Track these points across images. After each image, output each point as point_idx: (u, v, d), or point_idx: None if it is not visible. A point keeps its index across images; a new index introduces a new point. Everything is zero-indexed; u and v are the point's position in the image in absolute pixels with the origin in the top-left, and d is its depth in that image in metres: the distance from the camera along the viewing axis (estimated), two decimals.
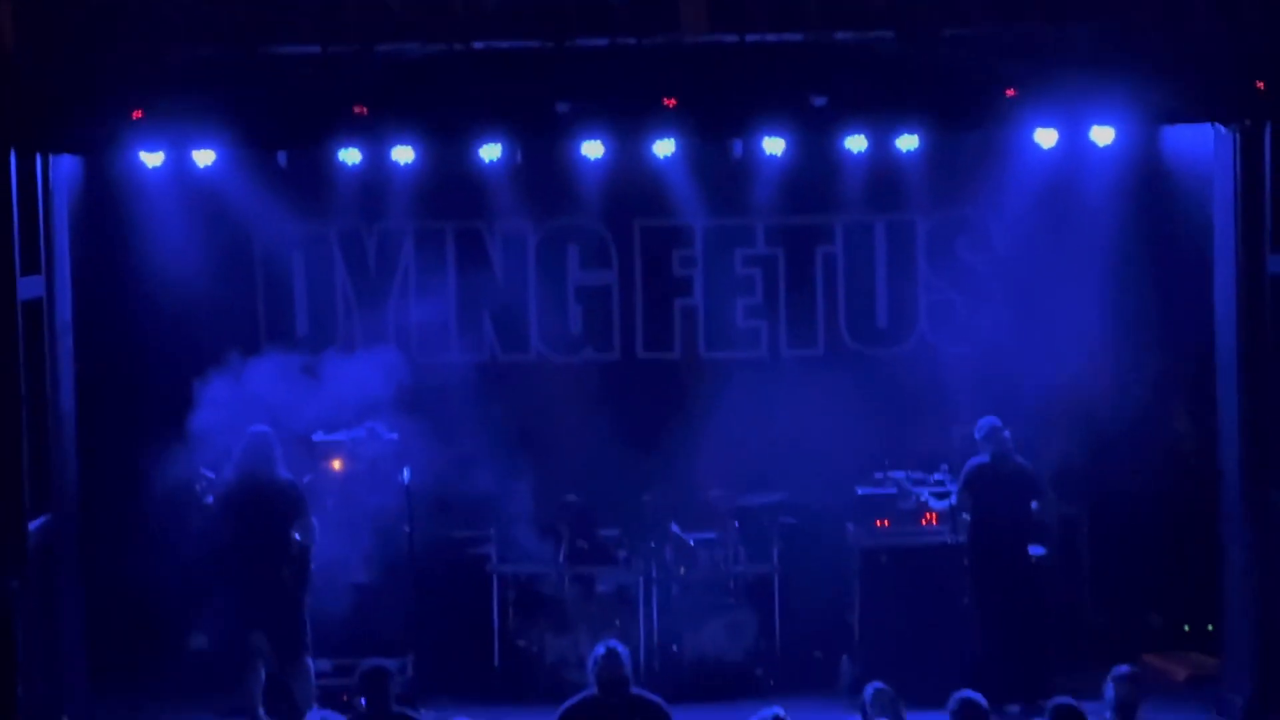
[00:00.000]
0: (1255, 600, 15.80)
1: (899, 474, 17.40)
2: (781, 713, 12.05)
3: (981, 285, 18.48)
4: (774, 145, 16.55)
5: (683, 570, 17.26)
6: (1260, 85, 15.39)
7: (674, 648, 17.09)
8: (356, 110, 15.58)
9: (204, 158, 16.41)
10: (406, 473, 16.62)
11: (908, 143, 16.46)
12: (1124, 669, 13.34)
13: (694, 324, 18.69)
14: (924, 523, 17.16)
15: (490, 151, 16.46)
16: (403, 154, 16.46)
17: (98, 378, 17.09)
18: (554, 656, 16.93)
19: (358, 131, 15.83)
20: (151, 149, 16.17)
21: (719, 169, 17.76)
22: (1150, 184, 17.71)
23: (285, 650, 15.82)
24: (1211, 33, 15.45)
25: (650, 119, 15.77)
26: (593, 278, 18.69)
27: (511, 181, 17.91)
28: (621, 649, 13.50)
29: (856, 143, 16.53)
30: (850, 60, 15.64)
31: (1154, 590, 18.08)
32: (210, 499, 16.05)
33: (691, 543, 17.33)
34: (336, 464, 17.15)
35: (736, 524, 17.47)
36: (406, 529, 16.63)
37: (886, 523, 17.19)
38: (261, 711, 15.87)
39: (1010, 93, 15.48)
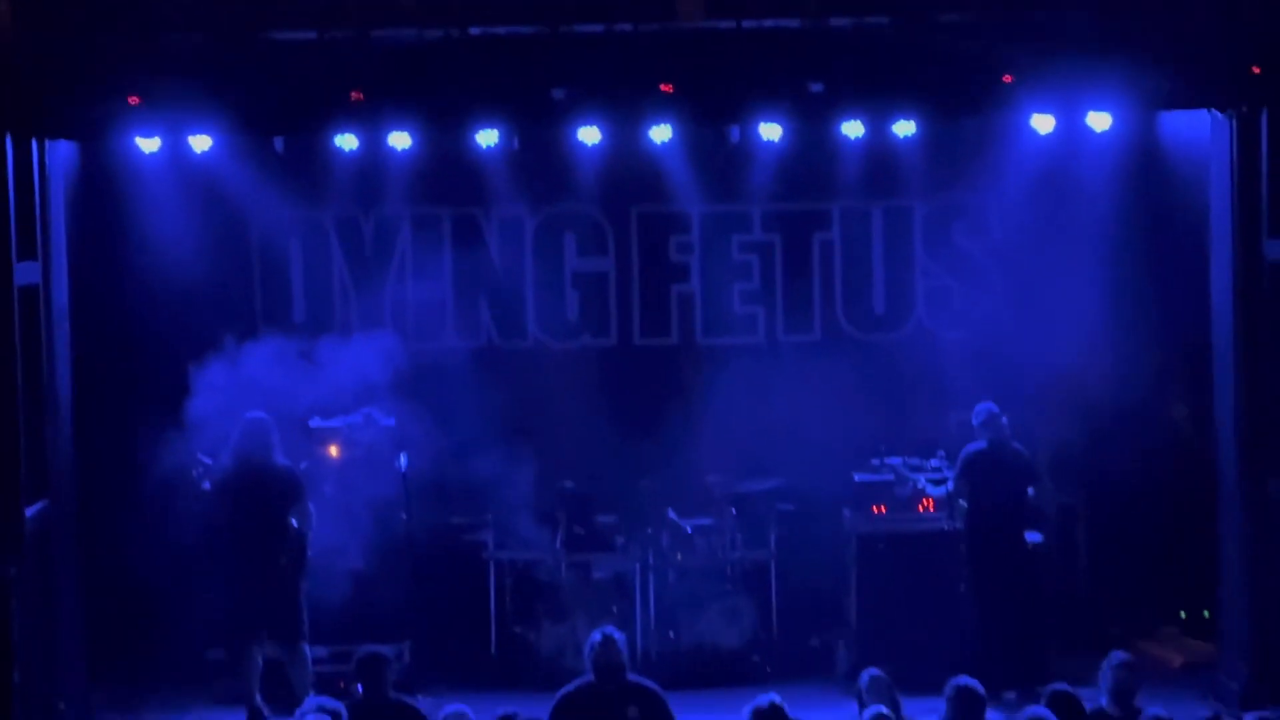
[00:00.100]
0: (1251, 586, 15.81)
1: (896, 460, 17.40)
2: (778, 699, 12.04)
3: (978, 271, 18.49)
4: (771, 131, 16.53)
5: (679, 556, 17.26)
6: (1256, 71, 15.39)
7: (671, 634, 17.09)
8: (353, 96, 15.55)
9: (201, 143, 16.41)
10: (403, 459, 16.63)
11: (905, 129, 16.45)
12: (1120, 655, 13.37)
13: (691, 310, 18.66)
14: (921, 509, 17.17)
15: (487, 137, 16.43)
16: (399, 140, 16.45)
17: (94, 363, 17.05)
18: (551, 643, 16.91)
19: (355, 117, 15.82)
20: (148, 134, 16.14)
21: (716, 155, 17.77)
22: (1147, 170, 17.72)
23: (282, 636, 15.80)
24: (1208, 18, 15.44)
25: (647, 105, 15.74)
26: (590, 264, 18.67)
27: (508, 167, 17.90)
28: (618, 635, 13.51)
29: (853, 129, 16.53)
30: (847, 46, 15.62)
31: (1150, 577, 18.08)
32: (207, 485, 16.07)
33: (688, 529, 17.33)
34: (333, 450, 17.10)
35: (733, 510, 17.47)
36: (403, 515, 16.63)
37: (883, 509, 17.20)
38: (259, 698, 15.83)
39: (1007, 78, 15.46)
